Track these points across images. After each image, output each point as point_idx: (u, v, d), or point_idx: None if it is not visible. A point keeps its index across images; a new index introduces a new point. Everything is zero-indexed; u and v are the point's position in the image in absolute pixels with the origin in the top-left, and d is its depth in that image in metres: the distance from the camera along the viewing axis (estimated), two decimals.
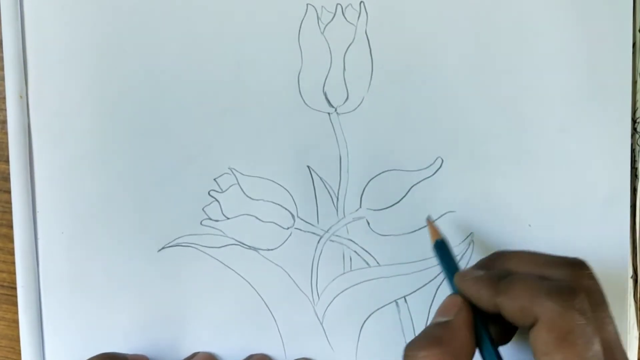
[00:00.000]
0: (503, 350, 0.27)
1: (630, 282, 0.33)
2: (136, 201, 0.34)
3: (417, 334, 0.27)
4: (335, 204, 0.34)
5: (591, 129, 0.33)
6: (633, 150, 0.33)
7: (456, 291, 0.28)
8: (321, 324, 0.34)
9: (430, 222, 0.32)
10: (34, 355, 0.35)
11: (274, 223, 0.34)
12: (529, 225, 0.33)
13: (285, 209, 0.34)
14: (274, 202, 0.34)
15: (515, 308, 0.25)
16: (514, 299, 0.25)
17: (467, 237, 0.33)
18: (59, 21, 0.34)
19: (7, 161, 0.35)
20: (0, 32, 0.34)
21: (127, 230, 0.35)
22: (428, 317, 0.34)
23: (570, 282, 0.26)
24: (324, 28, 0.34)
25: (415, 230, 0.34)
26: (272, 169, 0.34)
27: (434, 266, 0.33)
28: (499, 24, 0.33)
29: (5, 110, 0.34)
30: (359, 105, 0.34)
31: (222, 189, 0.34)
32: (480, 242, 0.33)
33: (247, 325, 0.34)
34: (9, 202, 0.35)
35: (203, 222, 0.34)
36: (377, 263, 0.34)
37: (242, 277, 0.34)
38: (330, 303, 0.34)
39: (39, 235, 0.35)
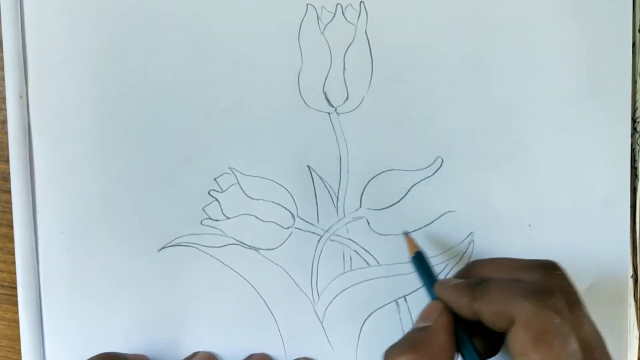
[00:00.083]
0: None
1: (631, 282, 0.33)
2: (136, 201, 0.34)
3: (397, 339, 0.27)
4: (335, 204, 0.34)
5: (591, 129, 0.33)
6: (633, 150, 0.33)
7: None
8: (321, 323, 0.34)
9: (407, 236, 0.32)
10: (34, 355, 0.35)
11: (274, 223, 0.34)
12: (529, 225, 0.33)
13: (286, 208, 0.34)
14: (274, 202, 0.34)
15: (492, 312, 0.25)
16: (490, 303, 0.25)
17: (467, 237, 0.33)
18: (59, 21, 0.34)
19: (7, 161, 0.35)
20: (0, 32, 0.34)
21: (127, 230, 0.35)
22: None
23: (544, 283, 0.26)
24: (324, 28, 0.34)
25: (415, 230, 0.34)
26: (272, 169, 0.34)
27: (433, 265, 0.33)
28: (499, 24, 0.33)
29: (5, 110, 0.34)
30: (359, 105, 0.34)
31: (222, 189, 0.34)
32: (480, 242, 0.33)
33: (247, 325, 0.34)
34: (9, 202, 0.35)
35: (203, 222, 0.34)
36: (377, 263, 0.34)
37: (242, 277, 0.34)
38: (331, 303, 0.34)
39: (39, 235, 0.35)
